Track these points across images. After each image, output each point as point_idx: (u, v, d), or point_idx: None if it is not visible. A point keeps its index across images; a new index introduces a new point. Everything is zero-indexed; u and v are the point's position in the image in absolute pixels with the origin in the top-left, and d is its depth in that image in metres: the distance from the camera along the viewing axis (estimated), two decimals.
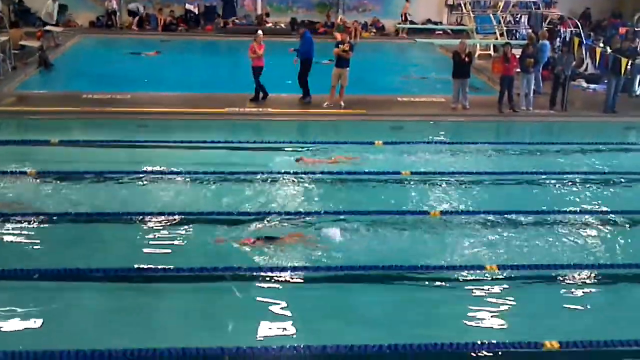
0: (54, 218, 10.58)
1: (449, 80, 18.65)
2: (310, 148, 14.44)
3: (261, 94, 18.28)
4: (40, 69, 21.54)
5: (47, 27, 25.28)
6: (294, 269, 9.23)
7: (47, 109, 16.85)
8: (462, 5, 28.95)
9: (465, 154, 14.60)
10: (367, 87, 20.36)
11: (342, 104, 17.86)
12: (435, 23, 32.41)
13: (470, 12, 27.82)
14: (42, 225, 10.36)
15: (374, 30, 31.98)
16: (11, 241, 9.89)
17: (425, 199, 11.93)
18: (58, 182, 12.06)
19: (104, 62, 23.55)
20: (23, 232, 10.15)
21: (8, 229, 10.18)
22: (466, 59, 18.10)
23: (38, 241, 9.94)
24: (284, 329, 7.98)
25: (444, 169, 13.46)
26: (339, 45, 17.93)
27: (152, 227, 10.42)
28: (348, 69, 17.78)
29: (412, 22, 31.87)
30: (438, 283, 9.12)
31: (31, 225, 10.31)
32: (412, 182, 12.65)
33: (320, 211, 11.07)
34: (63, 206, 10.99)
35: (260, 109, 17.49)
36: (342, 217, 10.81)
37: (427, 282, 9.12)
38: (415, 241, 10.28)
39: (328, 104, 17.90)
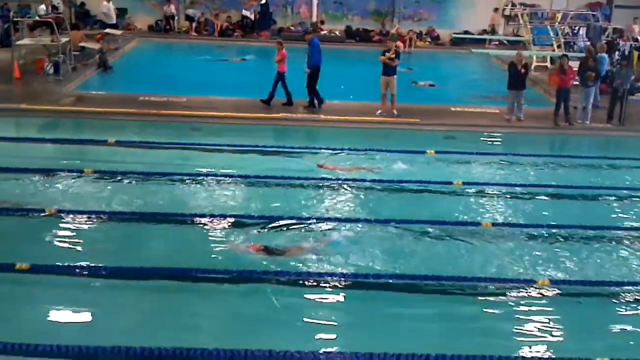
0: (109, 216, 10.78)
1: (504, 91, 18.45)
2: (355, 155, 14.46)
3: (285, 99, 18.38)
4: (99, 70, 22.04)
5: (107, 30, 25.85)
6: (332, 274, 9.19)
7: (105, 109, 17.21)
8: (519, 16, 28.62)
9: (519, 166, 14.40)
10: (422, 96, 20.32)
11: (395, 112, 17.81)
12: (491, 33, 32.09)
13: (527, 24, 27.49)
14: (97, 223, 10.58)
15: (429, 40, 31.83)
16: (66, 238, 10.09)
17: (477, 210, 11.82)
18: (114, 181, 12.31)
19: (161, 65, 23.94)
20: (78, 229, 10.36)
21: (64, 226, 10.41)
22: (522, 70, 17.89)
23: (92, 239, 10.16)
24: (322, 336, 7.98)
25: (497, 180, 13.36)
26: (385, 53, 17.87)
27: (201, 227, 10.57)
28: (395, 76, 17.74)
29: (467, 32, 31.63)
30: (488, 295, 9.02)
31: (86, 223, 10.53)
32: (463, 193, 12.56)
33: (370, 219, 11.04)
34: (118, 205, 11.22)
35: (314, 115, 17.55)
36: (388, 225, 10.77)
37: (476, 294, 9.03)
38: (466, 252, 10.18)
39: (381, 112, 17.87)
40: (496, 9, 31.35)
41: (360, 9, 32.53)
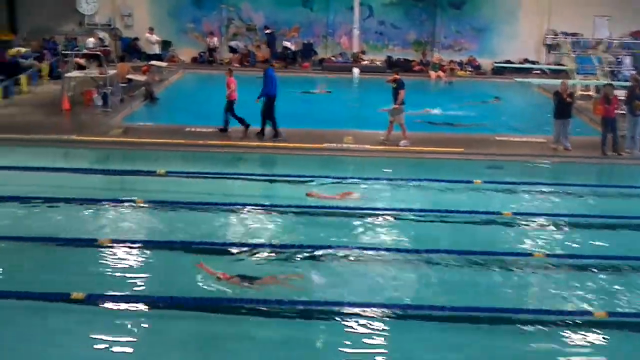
0: (160, 245, 10.91)
1: (549, 121, 18.33)
2: (395, 183, 14.51)
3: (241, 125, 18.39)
4: (145, 102, 22.42)
5: (153, 62, 26.33)
6: (372, 305, 9.16)
7: (152, 140, 17.46)
8: (563, 45, 28.50)
9: (566, 195, 14.23)
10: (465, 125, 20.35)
11: (404, 142, 17.75)
12: (533, 62, 31.95)
13: (571, 53, 27.34)
14: (147, 253, 10.70)
15: (470, 69, 31.79)
16: (118, 268, 10.20)
17: (527, 240, 11.69)
18: (164, 211, 12.47)
19: (206, 96, 24.20)
20: (131, 258, 10.49)
21: (115, 256, 10.53)
22: (568, 99, 17.76)
23: (144, 268, 10.27)
24: None
25: (546, 210, 13.20)
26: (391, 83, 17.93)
27: (242, 256, 10.66)
28: (393, 105, 17.73)
29: (508, 61, 31.56)
30: (541, 327, 8.88)
31: (139, 253, 10.65)
32: (513, 223, 12.44)
33: (410, 249, 11.07)
34: (168, 235, 11.34)
35: (358, 145, 17.54)
36: (435, 255, 10.74)
37: (529, 326, 8.88)
38: (519, 283, 10.07)
39: (383, 139, 17.88)
40: None
41: (401, 39, 32.66)
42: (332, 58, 31.83)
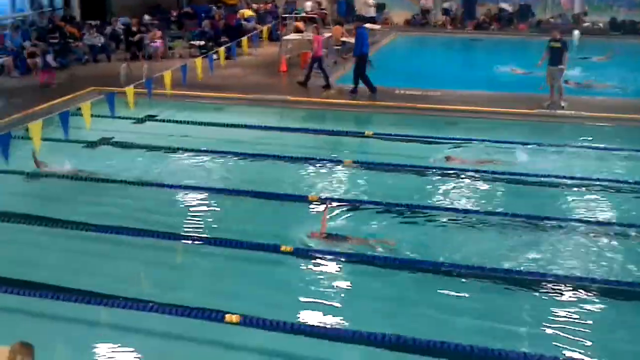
0: (368, 205, 11.15)
1: None
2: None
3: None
4: None
5: (366, 25, 26.70)
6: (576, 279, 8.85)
7: (362, 102, 17.88)
8: None
9: None
10: None
11: (563, 104, 16.98)
12: None
13: None
14: (353, 211, 11.00)
15: None
16: (329, 224, 10.52)
17: None
18: (370, 171, 12.82)
19: (417, 59, 24.33)
20: (341, 216, 10.80)
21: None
22: None
23: (357, 226, 10.47)
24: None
25: None
26: (551, 42, 17.01)
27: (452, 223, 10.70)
28: (559, 66, 16.84)
29: None
30: None
31: (344, 211, 10.97)
32: None
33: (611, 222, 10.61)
34: (373, 195, 11.60)
35: (572, 112, 16.77)
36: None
37: None
38: None
39: (548, 103, 17.12)
40: None
41: (628, 0, 30.53)
42: (551, 20, 30.48)
